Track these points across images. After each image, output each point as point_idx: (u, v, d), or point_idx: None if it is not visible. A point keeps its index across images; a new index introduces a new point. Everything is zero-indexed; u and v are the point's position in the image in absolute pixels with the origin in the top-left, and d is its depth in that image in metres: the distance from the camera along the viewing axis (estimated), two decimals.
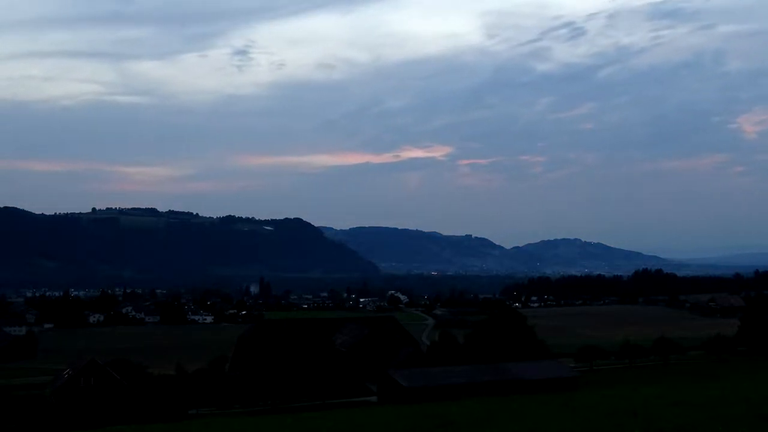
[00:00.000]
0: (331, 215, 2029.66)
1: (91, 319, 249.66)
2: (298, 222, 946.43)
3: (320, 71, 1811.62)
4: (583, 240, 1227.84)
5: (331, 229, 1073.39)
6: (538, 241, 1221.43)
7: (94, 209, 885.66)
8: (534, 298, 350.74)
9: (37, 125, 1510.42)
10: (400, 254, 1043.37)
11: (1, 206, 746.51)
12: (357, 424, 22.28)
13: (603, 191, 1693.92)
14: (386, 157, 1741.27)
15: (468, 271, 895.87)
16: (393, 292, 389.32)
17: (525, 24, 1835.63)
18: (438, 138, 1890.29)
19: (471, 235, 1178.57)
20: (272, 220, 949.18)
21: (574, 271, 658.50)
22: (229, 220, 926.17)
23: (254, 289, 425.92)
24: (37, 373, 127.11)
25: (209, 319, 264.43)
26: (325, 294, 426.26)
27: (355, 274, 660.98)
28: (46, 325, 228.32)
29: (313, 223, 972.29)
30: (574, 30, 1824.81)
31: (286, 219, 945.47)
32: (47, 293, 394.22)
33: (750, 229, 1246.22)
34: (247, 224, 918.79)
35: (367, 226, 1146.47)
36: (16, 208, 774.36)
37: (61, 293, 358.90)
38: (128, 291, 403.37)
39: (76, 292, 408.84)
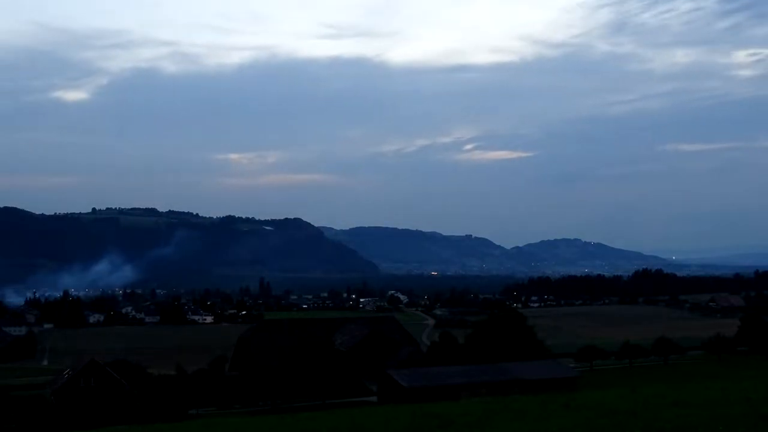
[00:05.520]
0: (331, 215, 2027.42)
1: (91, 319, 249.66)
2: (298, 222, 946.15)
3: None
4: (583, 240, 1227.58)
5: (331, 229, 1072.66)
6: (538, 241, 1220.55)
7: (94, 209, 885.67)
8: (534, 298, 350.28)
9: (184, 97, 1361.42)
10: (400, 254, 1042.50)
11: (1, 206, 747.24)
12: (357, 424, 22.27)
13: (602, 191, 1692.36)
14: None
15: (468, 271, 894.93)
16: (393, 292, 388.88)
17: None
18: None
19: (471, 235, 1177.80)
20: (272, 220, 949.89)
21: (574, 271, 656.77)
22: (229, 220, 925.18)
23: (254, 289, 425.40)
24: (37, 373, 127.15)
25: (209, 319, 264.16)
26: (325, 294, 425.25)
27: (355, 274, 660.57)
28: (46, 325, 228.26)
29: (313, 223, 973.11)
30: None
31: (286, 219, 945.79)
32: (47, 293, 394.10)
33: (750, 229, 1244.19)
34: (247, 224, 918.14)
35: (367, 226, 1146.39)
36: (16, 208, 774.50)
37: (61, 293, 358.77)
38: (128, 291, 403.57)
39: (76, 292, 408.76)
